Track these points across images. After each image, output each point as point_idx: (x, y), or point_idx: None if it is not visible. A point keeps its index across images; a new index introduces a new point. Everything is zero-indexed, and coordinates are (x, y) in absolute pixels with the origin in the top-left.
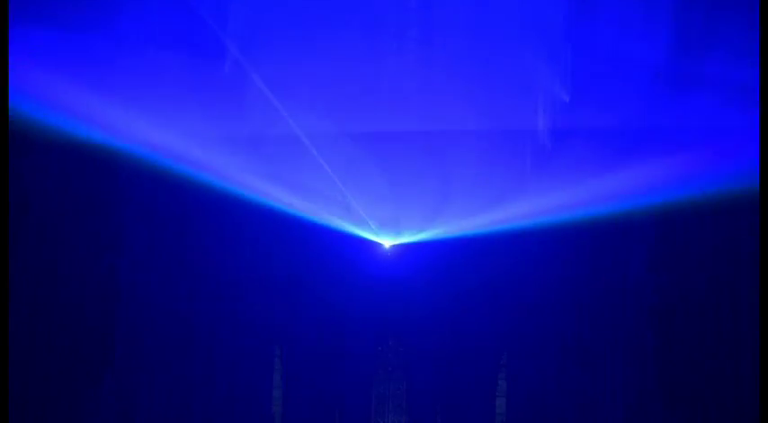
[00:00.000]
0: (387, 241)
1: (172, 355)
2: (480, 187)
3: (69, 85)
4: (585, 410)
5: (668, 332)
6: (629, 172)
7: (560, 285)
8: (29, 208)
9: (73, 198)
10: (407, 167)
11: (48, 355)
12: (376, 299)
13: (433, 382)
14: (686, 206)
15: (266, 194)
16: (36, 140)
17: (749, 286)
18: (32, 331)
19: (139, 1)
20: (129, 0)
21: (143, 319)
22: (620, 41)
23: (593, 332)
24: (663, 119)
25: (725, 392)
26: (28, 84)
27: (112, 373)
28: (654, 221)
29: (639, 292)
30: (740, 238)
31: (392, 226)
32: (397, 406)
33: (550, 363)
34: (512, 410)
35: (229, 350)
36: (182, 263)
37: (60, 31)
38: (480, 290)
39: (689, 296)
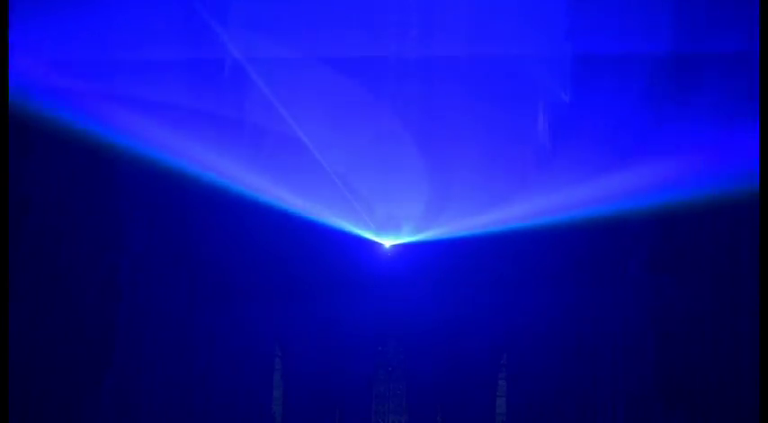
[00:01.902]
0: (387, 241)
1: (172, 354)
2: (481, 187)
3: (70, 87)
4: (585, 410)
5: (668, 332)
6: (629, 172)
7: (560, 285)
8: (29, 208)
9: (73, 198)
10: (408, 168)
11: (48, 354)
12: (376, 299)
13: (433, 382)
14: (686, 206)
15: (266, 194)
16: (37, 141)
17: (749, 286)
18: (33, 331)
19: (140, 3)
20: (130, 2)
21: (143, 318)
22: (620, 42)
23: (594, 332)
24: (663, 119)
25: (725, 392)
26: (29, 85)
27: (112, 373)
28: (654, 222)
29: (639, 292)
30: (740, 239)
31: (392, 226)
32: (397, 406)
33: (550, 363)
34: (512, 410)
35: (229, 350)
36: (182, 263)
37: (62, 33)
38: (480, 290)
39: (689, 296)
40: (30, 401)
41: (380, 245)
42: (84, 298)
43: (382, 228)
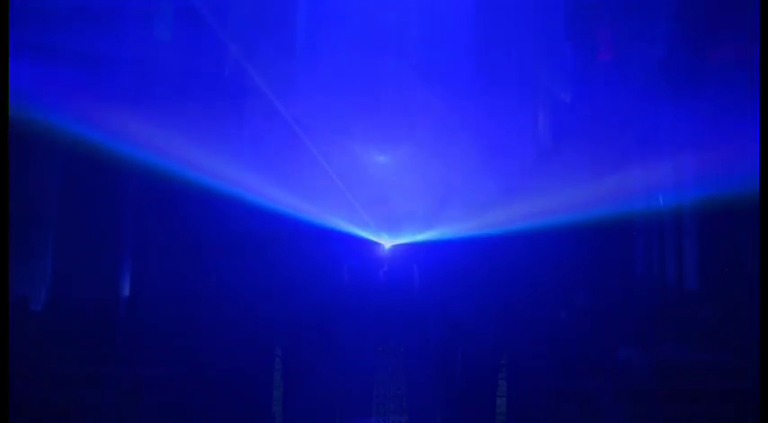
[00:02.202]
0: (387, 241)
1: (172, 354)
2: (481, 187)
3: (70, 87)
4: (586, 410)
5: (668, 331)
6: (629, 172)
7: (561, 285)
8: (29, 208)
9: (74, 199)
10: (408, 168)
11: (48, 354)
12: (376, 299)
13: (433, 382)
14: (687, 206)
15: (267, 195)
16: (38, 141)
17: (749, 286)
18: (33, 331)
19: (139, 3)
20: (130, 3)
21: (143, 318)
22: (620, 42)
23: (594, 331)
24: (663, 119)
25: (726, 392)
26: (29, 84)
27: (112, 373)
28: (654, 222)
29: (639, 291)
30: (740, 238)
31: (392, 226)
32: (398, 406)
33: (551, 362)
34: (512, 410)
35: (230, 350)
36: (182, 263)
37: (62, 33)
38: (480, 290)
39: (689, 296)
40: (29, 401)
41: (380, 245)
42: (84, 298)
43: (382, 228)
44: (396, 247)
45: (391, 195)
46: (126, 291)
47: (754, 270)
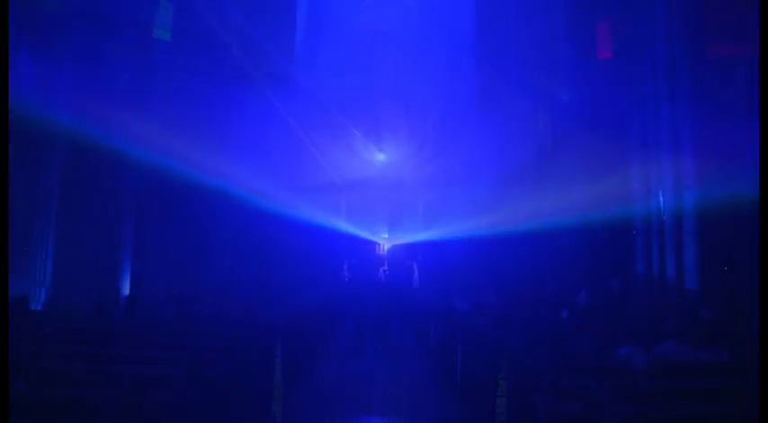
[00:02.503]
0: (387, 241)
1: (172, 354)
2: (480, 187)
3: (70, 86)
4: (586, 410)
5: (668, 331)
6: (629, 172)
7: (562, 285)
8: (30, 208)
9: (75, 200)
10: (408, 168)
11: (48, 354)
12: (376, 299)
13: (433, 383)
14: (687, 207)
15: (267, 195)
16: (38, 142)
17: (749, 286)
18: (33, 330)
19: (138, 1)
20: (130, 4)
21: (143, 318)
22: (619, 42)
23: (594, 331)
24: (663, 119)
25: (726, 392)
26: (29, 82)
27: (112, 373)
28: (654, 222)
29: (639, 291)
30: (740, 239)
31: (392, 226)
32: (398, 406)
33: (551, 362)
34: (512, 410)
35: (230, 350)
36: (182, 263)
37: (61, 31)
38: (481, 290)
39: (689, 296)
40: (29, 401)
41: (380, 245)
42: (85, 298)
43: (382, 228)
44: (396, 246)
45: (391, 195)
46: (126, 291)
47: (754, 270)
